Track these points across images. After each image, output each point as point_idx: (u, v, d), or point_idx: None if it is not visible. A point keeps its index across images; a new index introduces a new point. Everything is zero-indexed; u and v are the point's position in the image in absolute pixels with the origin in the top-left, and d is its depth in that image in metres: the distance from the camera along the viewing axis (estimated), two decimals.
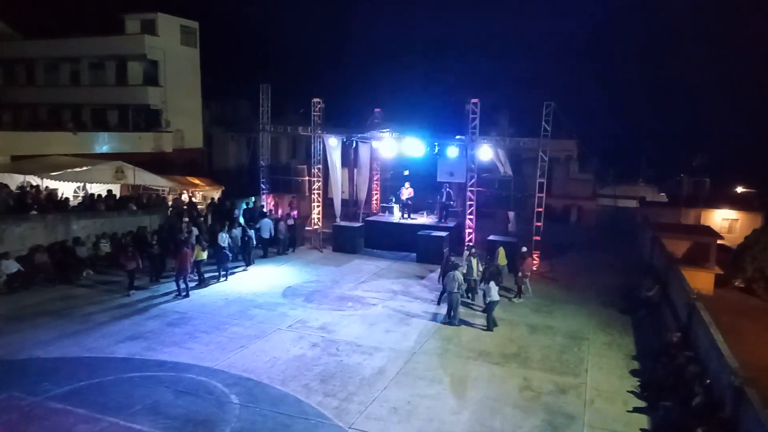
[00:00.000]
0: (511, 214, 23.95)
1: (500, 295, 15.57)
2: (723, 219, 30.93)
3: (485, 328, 14.81)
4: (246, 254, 20.20)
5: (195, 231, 20.05)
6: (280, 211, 26.26)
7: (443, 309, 15.97)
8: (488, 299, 14.94)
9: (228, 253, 18.68)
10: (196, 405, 10.16)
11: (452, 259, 17.23)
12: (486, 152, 21.30)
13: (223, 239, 18.93)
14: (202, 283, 17.72)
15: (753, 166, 36.91)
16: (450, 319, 15.06)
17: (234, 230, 20.17)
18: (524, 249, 18.31)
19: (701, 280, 19.71)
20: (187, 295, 16.47)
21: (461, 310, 15.59)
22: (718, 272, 21.90)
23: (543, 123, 19.95)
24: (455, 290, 15.04)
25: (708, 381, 10.42)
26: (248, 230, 20.62)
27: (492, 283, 15.03)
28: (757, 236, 23.31)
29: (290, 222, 23.42)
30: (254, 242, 20.74)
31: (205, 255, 18.11)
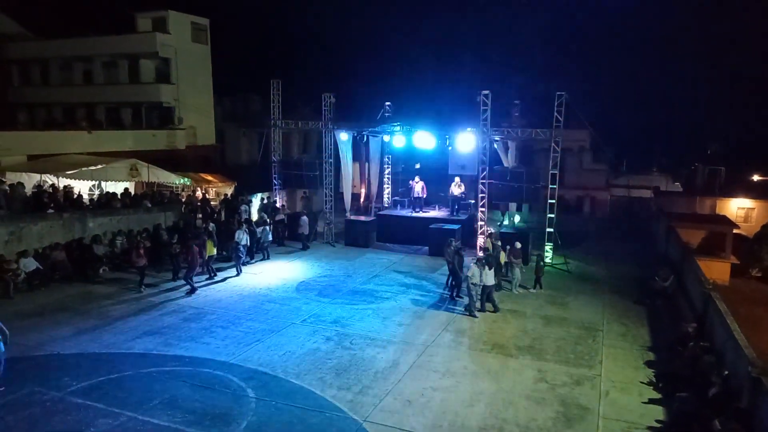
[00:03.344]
0: (513, 206, 23.85)
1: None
2: (739, 208, 30.53)
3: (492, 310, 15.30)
4: (257, 250, 20.39)
5: (212, 226, 20.22)
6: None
7: (453, 301, 16.07)
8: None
9: (242, 248, 18.84)
10: (213, 399, 10.30)
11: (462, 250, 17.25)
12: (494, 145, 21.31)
13: (241, 236, 19.10)
14: (213, 278, 17.88)
15: None
16: (470, 310, 15.13)
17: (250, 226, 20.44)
18: (518, 245, 18.27)
19: (717, 270, 19.50)
20: (192, 291, 16.53)
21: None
22: (734, 262, 21.63)
23: (555, 113, 19.81)
24: (477, 282, 15.10)
25: (726, 372, 10.34)
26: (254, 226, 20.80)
27: (486, 268, 15.25)
28: None
29: (280, 217, 23.51)
30: (269, 237, 20.93)
31: (215, 250, 18.29)
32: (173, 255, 18.05)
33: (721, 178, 33.76)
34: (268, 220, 22.36)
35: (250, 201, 25.62)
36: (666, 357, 12.51)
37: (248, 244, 19.45)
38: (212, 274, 18.14)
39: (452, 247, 16.88)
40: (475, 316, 15.00)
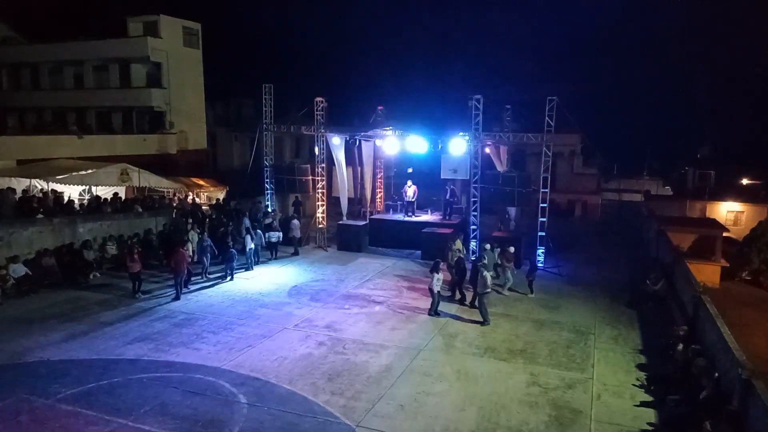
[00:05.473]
0: (512, 210, 23.90)
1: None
2: (728, 211, 30.82)
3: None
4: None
5: (201, 235, 20.07)
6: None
7: (446, 308, 16.06)
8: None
9: (234, 252, 18.77)
10: (205, 405, 10.22)
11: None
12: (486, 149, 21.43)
13: (248, 241, 19.56)
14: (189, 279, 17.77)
15: (758, 157, 36.69)
16: (485, 320, 14.93)
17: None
18: (512, 249, 18.34)
19: (707, 273, 19.63)
20: (177, 298, 16.35)
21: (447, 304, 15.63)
22: (724, 265, 21.80)
23: (546, 118, 19.90)
24: (487, 290, 15.03)
25: (717, 375, 10.40)
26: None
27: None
28: (763, 228, 23.18)
29: (269, 221, 23.41)
30: (262, 243, 20.89)
31: (190, 251, 18.20)
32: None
33: (710, 182, 34.08)
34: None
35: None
36: (657, 360, 12.58)
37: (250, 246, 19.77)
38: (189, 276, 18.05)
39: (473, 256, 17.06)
40: (489, 323, 14.91)
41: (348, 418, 9.93)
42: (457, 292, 16.93)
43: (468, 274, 16.99)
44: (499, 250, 18.74)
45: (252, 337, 13.56)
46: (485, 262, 16.54)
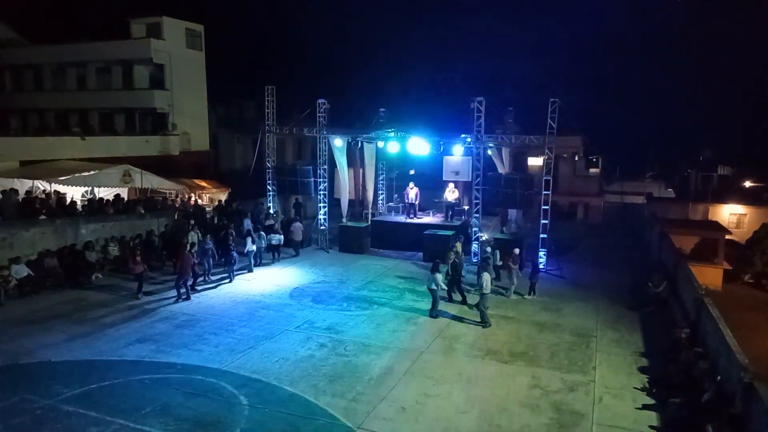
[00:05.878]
0: (512, 212, 23.89)
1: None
2: (731, 214, 30.77)
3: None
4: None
5: (204, 237, 20.08)
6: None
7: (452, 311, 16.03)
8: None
9: (235, 254, 18.77)
10: (206, 406, 10.23)
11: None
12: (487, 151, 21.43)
13: (249, 243, 19.64)
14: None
15: (761, 160, 36.63)
16: (484, 322, 14.88)
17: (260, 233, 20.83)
18: (517, 250, 18.31)
19: (710, 276, 19.63)
20: (188, 298, 16.47)
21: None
22: (726, 268, 21.78)
23: (548, 120, 19.89)
24: (487, 291, 15.00)
25: (719, 377, 10.37)
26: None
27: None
28: (766, 231, 23.19)
29: (269, 222, 23.41)
30: (263, 243, 20.88)
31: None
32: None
33: (713, 184, 34.03)
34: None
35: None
36: (659, 363, 12.55)
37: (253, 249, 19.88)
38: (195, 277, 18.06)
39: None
40: (489, 325, 14.87)
41: (349, 420, 9.92)
42: (458, 293, 16.93)
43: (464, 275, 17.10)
44: (498, 252, 18.75)
45: (253, 339, 13.56)
46: (489, 263, 16.55)
